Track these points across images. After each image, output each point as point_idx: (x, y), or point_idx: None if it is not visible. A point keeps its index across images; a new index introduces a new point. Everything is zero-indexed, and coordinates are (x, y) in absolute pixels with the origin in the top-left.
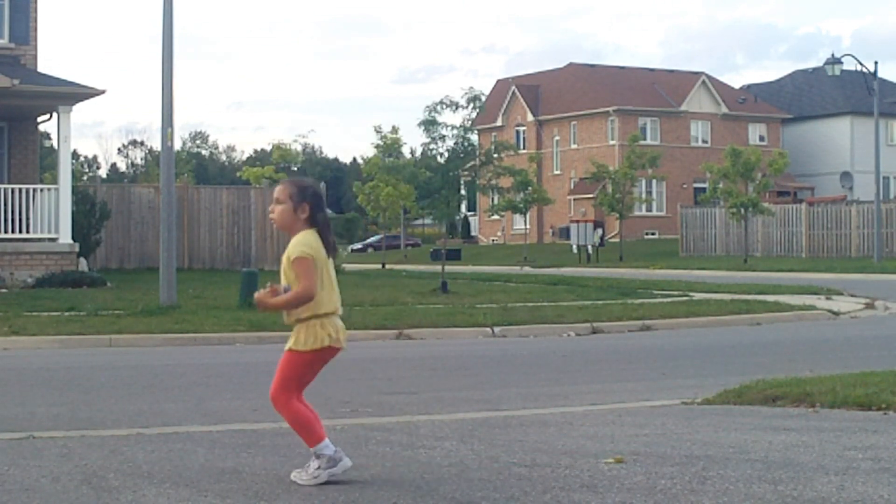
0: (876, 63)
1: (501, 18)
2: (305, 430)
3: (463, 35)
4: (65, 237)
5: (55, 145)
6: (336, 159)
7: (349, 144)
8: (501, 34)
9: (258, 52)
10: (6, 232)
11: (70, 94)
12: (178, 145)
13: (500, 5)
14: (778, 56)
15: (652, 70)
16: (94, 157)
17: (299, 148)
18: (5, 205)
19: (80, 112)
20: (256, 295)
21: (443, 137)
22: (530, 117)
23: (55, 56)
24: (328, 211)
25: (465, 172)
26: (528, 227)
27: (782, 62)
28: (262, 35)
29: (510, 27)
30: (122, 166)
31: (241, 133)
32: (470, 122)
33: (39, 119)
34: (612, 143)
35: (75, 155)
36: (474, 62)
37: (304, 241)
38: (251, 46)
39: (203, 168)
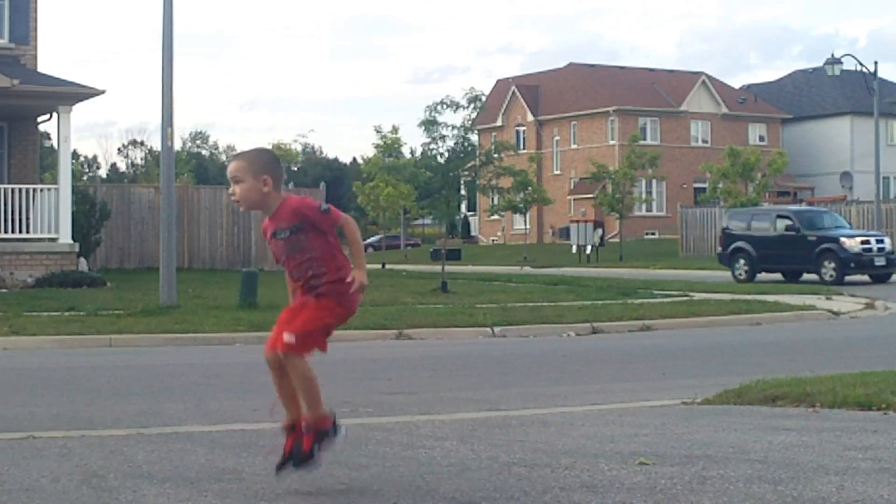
0: (876, 63)
1: (518, 19)
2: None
3: (479, 35)
4: (65, 237)
5: (55, 145)
6: (336, 159)
7: (350, 144)
8: (518, 35)
9: (273, 53)
10: (6, 232)
11: (70, 94)
12: (177, 145)
13: (516, 6)
14: (791, 57)
15: (652, 70)
16: (94, 157)
17: (299, 148)
18: (5, 205)
19: (81, 112)
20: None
21: (443, 137)
22: (530, 117)
23: (55, 56)
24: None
25: (465, 172)
26: (528, 227)
27: (796, 62)
28: (276, 35)
29: (527, 28)
30: (122, 166)
31: (253, 133)
32: (470, 122)
33: (39, 119)
34: (612, 143)
35: (75, 155)
36: (490, 63)
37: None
38: (265, 46)
39: (203, 168)
